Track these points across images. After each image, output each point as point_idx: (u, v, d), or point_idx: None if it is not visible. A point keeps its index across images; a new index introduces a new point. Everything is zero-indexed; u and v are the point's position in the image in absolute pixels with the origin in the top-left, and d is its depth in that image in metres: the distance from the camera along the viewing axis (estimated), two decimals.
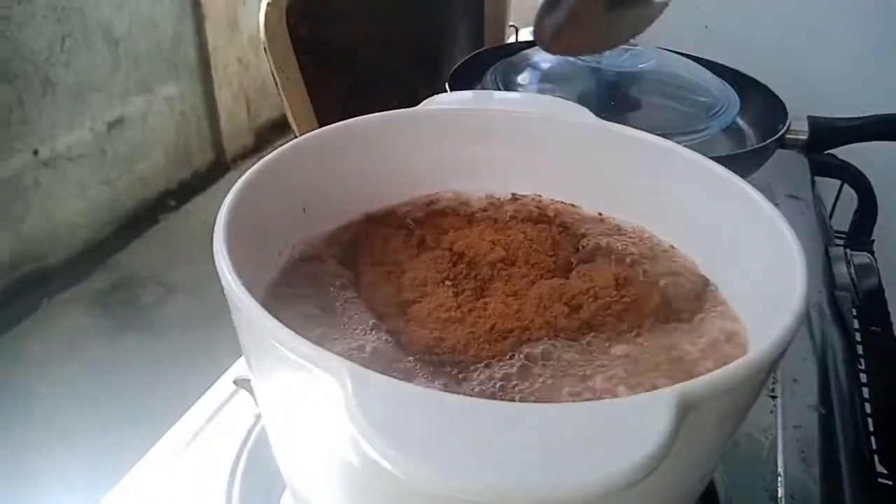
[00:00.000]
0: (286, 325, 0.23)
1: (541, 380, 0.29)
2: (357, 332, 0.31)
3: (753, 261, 0.32)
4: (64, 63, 1.70)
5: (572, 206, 0.40)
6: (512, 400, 0.28)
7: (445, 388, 0.28)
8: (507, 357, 0.30)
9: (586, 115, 0.39)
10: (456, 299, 0.33)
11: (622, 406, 0.21)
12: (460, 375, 0.29)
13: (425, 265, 0.35)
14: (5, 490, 1.24)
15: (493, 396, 0.28)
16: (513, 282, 0.34)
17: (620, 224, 0.39)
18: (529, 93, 0.59)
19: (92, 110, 1.81)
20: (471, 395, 0.28)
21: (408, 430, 0.20)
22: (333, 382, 0.22)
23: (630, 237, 0.38)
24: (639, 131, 0.37)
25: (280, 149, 0.33)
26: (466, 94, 0.41)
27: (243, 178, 0.31)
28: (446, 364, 0.30)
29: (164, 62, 1.98)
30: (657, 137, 0.36)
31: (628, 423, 0.20)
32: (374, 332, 0.31)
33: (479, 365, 0.30)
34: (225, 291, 0.26)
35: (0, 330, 1.66)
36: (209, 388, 0.44)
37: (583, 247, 0.37)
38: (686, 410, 0.21)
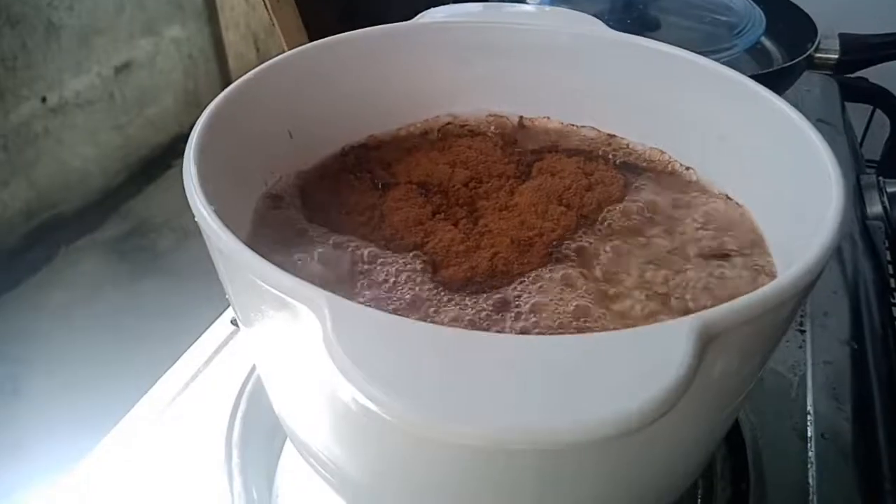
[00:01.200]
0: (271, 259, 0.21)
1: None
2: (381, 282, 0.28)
3: (785, 182, 0.29)
4: (67, 7, 1.66)
5: (590, 128, 0.37)
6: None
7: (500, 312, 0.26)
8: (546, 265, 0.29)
9: (600, 28, 0.35)
10: (459, 229, 0.31)
11: (636, 336, 0.19)
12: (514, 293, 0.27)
13: (403, 205, 0.32)
14: (28, 438, 1.25)
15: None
16: (493, 196, 0.33)
17: (632, 144, 0.36)
18: (539, 5, 0.55)
19: (98, 54, 1.78)
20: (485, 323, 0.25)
21: (392, 366, 0.18)
22: (312, 316, 0.19)
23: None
24: (656, 42, 0.33)
25: (261, 66, 0.30)
26: (473, 6, 0.37)
27: (219, 97, 0.28)
28: (491, 288, 0.28)
29: (169, 3, 1.94)
30: (675, 48, 0.33)
31: (643, 355, 0.18)
32: (404, 281, 0.28)
33: (525, 279, 0.28)
34: (198, 223, 0.23)
35: (18, 278, 1.67)
36: (207, 328, 0.43)
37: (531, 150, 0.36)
38: (708, 341, 0.18)
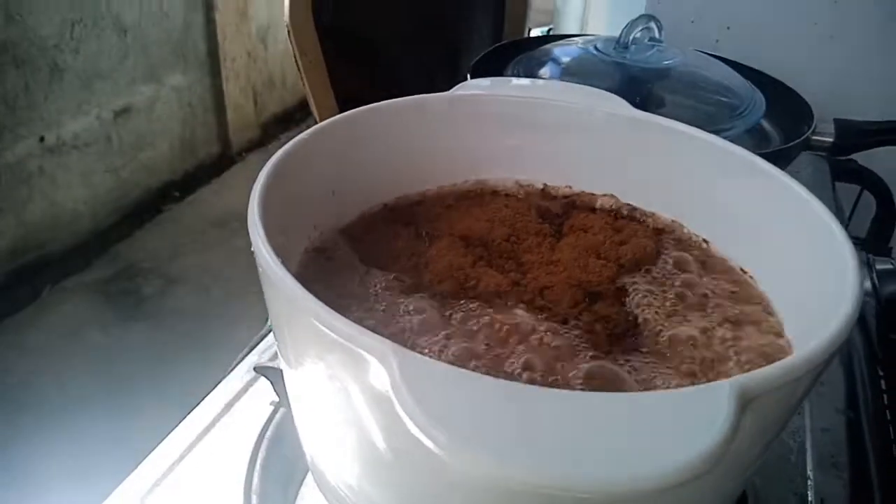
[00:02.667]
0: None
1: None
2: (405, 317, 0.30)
3: (797, 260, 0.31)
4: (73, 49, 1.69)
5: (610, 196, 0.39)
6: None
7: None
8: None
9: (623, 105, 0.38)
10: (506, 276, 0.33)
11: (680, 397, 0.20)
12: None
13: (447, 253, 0.34)
14: (4, 480, 1.23)
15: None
16: (536, 251, 0.35)
17: (654, 216, 0.38)
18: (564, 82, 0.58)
19: (99, 98, 1.81)
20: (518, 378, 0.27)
21: (457, 414, 0.19)
22: (378, 365, 0.21)
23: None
24: (675, 122, 0.36)
25: (309, 130, 0.32)
26: (503, 80, 0.40)
27: (276, 155, 0.30)
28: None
29: (172, 52, 1.98)
30: (692, 128, 0.35)
31: (689, 414, 0.20)
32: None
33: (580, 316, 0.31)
34: (260, 270, 0.25)
35: (2, 316, 1.65)
36: (225, 375, 0.44)
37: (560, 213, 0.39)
38: (746, 402, 0.20)
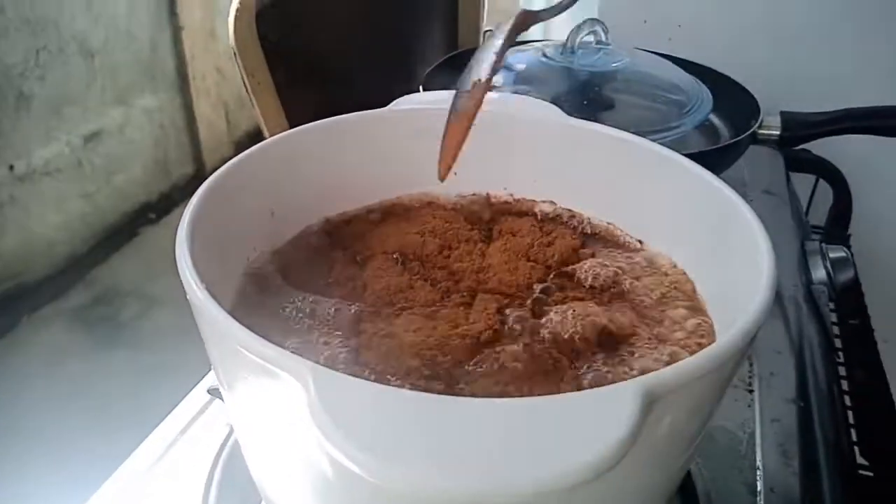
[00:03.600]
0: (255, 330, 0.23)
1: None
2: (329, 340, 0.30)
3: (724, 257, 0.32)
4: (38, 76, 1.68)
5: (549, 202, 0.40)
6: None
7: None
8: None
9: (556, 113, 0.38)
10: (436, 289, 0.33)
11: (586, 398, 0.21)
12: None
13: (383, 274, 0.34)
14: None
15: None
16: (467, 259, 0.36)
17: (591, 220, 0.39)
18: (503, 93, 0.59)
19: (68, 124, 1.80)
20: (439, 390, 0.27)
21: (372, 430, 0.20)
22: (296, 384, 0.21)
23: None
24: (607, 127, 0.37)
25: (246, 151, 0.33)
26: (440, 94, 0.41)
27: (208, 181, 0.30)
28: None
29: (141, 73, 1.97)
30: (623, 132, 0.36)
31: (592, 416, 0.20)
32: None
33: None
34: (188, 297, 0.25)
35: None
36: (182, 397, 0.44)
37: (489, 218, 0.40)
38: (651, 402, 0.21)
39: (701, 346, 0.30)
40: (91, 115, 1.86)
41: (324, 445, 0.20)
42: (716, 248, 0.32)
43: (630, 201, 0.37)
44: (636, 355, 0.30)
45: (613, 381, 0.28)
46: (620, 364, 0.29)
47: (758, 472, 0.40)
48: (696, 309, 0.32)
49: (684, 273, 0.35)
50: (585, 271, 0.34)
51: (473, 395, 0.28)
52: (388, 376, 0.28)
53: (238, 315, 0.27)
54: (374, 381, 0.27)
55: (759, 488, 0.39)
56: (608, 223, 0.38)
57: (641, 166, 0.36)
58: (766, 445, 0.42)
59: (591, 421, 0.20)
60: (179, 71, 2.10)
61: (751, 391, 0.45)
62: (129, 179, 2.01)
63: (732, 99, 0.66)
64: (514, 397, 0.26)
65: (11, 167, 1.69)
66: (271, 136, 0.57)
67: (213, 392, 0.42)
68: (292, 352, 0.22)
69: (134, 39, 1.93)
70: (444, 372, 0.29)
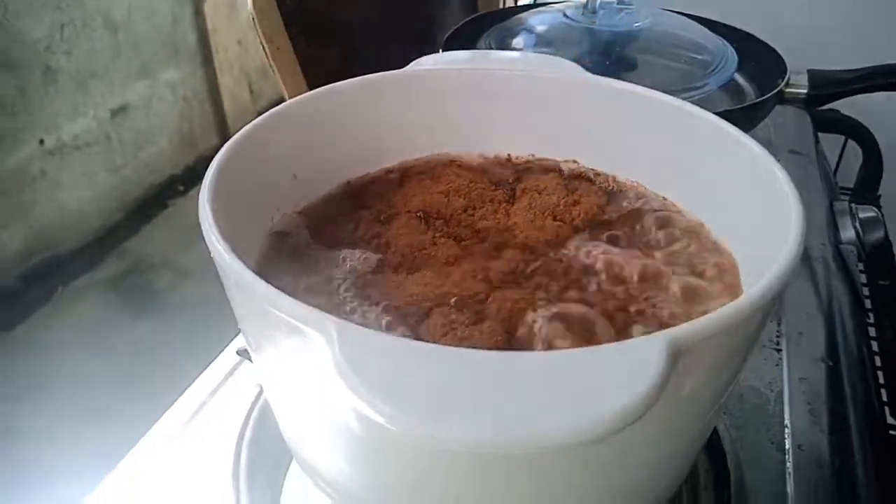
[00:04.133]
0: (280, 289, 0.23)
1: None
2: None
3: (752, 212, 0.31)
4: (64, 51, 1.70)
5: (573, 161, 0.40)
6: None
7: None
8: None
9: (577, 71, 0.38)
10: (462, 247, 0.34)
11: (611, 351, 0.21)
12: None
13: (406, 232, 0.34)
14: (23, 478, 1.26)
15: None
16: (492, 217, 0.36)
17: (617, 178, 0.38)
18: (524, 53, 0.59)
19: (95, 98, 1.82)
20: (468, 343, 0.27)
21: (395, 383, 0.20)
22: (320, 338, 0.21)
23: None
24: (629, 84, 0.36)
25: (267, 113, 0.33)
26: (459, 54, 0.40)
27: (230, 141, 0.30)
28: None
29: (164, 47, 1.98)
30: (648, 90, 0.36)
31: (618, 368, 0.20)
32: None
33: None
34: (212, 256, 0.26)
35: (16, 319, 1.68)
36: (213, 359, 0.45)
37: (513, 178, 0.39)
38: (677, 355, 0.21)
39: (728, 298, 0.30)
40: (116, 89, 1.87)
41: (348, 398, 0.20)
42: (744, 206, 0.32)
43: (655, 159, 0.37)
44: (659, 306, 0.29)
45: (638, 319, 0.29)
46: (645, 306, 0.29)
47: (786, 431, 0.40)
48: (725, 264, 0.32)
49: (712, 231, 0.34)
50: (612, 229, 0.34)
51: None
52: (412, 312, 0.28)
53: (262, 274, 0.28)
54: (403, 326, 0.28)
55: (787, 446, 0.39)
56: (634, 181, 0.38)
57: (666, 123, 0.36)
58: (793, 404, 0.41)
59: (618, 372, 0.20)
60: (202, 44, 2.10)
61: (779, 350, 0.44)
62: (156, 152, 2.03)
63: (758, 57, 0.65)
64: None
65: (42, 141, 1.72)
66: (290, 97, 0.57)
67: (242, 353, 0.42)
68: (316, 307, 0.22)
69: (156, 13, 1.94)
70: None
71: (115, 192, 1.97)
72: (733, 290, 0.31)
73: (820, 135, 0.74)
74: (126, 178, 1.99)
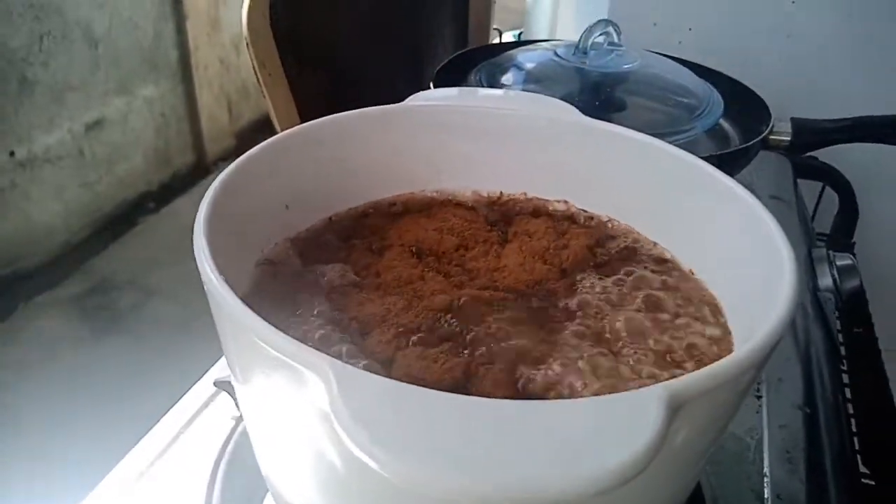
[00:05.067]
0: (271, 320, 0.23)
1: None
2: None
3: (743, 263, 0.32)
4: (42, 62, 1.67)
5: (563, 202, 0.40)
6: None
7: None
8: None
9: (572, 113, 0.38)
10: (451, 284, 0.33)
11: (610, 403, 0.21)
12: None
13: (398, 265, 0.34)
14: None
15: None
16: (482, 259, 0.36)
17: (608, 221, 0.39)
18: (515, 91, 0.59)
19: (70, 111, 1.79)
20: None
21: (394, 429, 0.20)
22: (317, 380, 0.21)
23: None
24: (627, 129, 0.36)
25: (262, 144, 0.33)
26: (451, 91, 0.41)
27: (225, 172, 0.30)
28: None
29: (144, 62, 1.96)
30: (643, 135, 0.36)
31: (616, 421, 0.20)
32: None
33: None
34: (206, 288, 0.25)
35: None
36: (188, 389, 0.44)
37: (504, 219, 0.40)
38: (676, 408, 0.21)
39: (719, 356, 0.30)
40: (93, 103, 1.85)
41: (346, 444, 0.19)
42: (736, 256, 0.32)
43: (647, 204, 0.37)
44: (649, 358, 0.29)
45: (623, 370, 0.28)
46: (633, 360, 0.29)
47: (765, 479, 0.40)
48: (716, 316, 0.32)
49: (702, 279, 0.34)
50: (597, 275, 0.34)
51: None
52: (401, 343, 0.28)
53: (254, 305, 0.27)
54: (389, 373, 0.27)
55: (766, 495, 0.39)
56: (625, 224, 0.38)
57: (660, 169, 0.36)
58: (773, 452, 0.41)
59: (617, 425, 0.20)
60: (182, 61, 2.09)
61: (759, 397, 0.45)
62: (130, 168, 2.01)
63: (743, 104, 0.66)
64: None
65: (12, 153, 1.69)
66: (282, 128, 0.56)
67: (220, 384, 0.41)
68: (311, 346, 0.22)
69: (137, 28, 1.92)
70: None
71: (85, 208, 1.94)
72: (724, 344, 0.31)
73: (798, 180, 0.76)
74: (98, 194, 1.96)
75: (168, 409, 0.43)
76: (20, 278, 1.79)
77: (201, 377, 0.45)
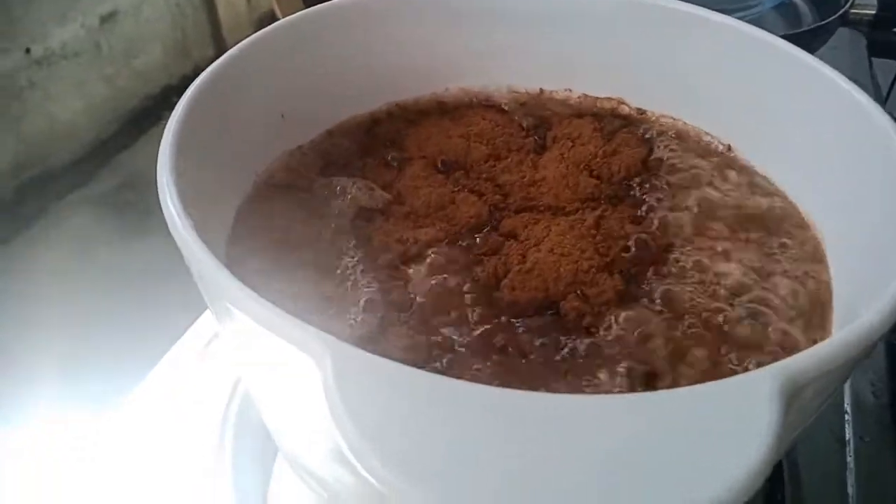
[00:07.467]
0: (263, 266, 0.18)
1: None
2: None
3: (843, 177, 0.25)
4: None
5: (618, 100, 0.33)
6: None
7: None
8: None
9: None
10: (485, 204, 0.28)
11: (707, 398, 0.15)
12: None
13: (422, 183, 0.29)
14: (8, 398, 1.23)
15: None
16: (515, 170, 0.30)
17: (667, 119, 0.32)
18: None
19: (82, 4, 1.71)
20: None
21: (398, 431, 0.15)
22: (311, 363, 0.16)
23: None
24: (700, 8, 0.29)
25: (247, 38, 0.26)
26: None
27: (199, 78, 0.24)
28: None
29: None
30: (725, 16, 0.29)
31: (719, 420, 0.15)
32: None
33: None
34: (174, 237, 0.20)
35: (9, 235, 1.63)
36: (192, 322, 0.39)
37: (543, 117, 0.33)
38: (793, 395, 0.15)
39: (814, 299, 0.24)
40: None
41: (339, 445, 0.15)
42: (833, 167, 0.26)
43: (718, 98, 0.30)
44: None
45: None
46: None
47: (846, 417, 0.35)
48: (805, 244, 0.26)
49: (786, 193, 0.28)
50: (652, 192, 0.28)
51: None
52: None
53: (241, 247, 0.22)
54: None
55: (847, 436, 0.34)
56: (691, 125, 0.31)
57: (736, 55, 0.29)
58: (854, 385, 0.36)
59: (717, 429, 0.14)
60: None
61: None
62: (149, 62, 1.93)
63: None
64: None
65: (28, 50, 1.63)
66: (282, 11, 0.49)
67: None
68: (306, 321, 0.16)
69: None
70: None
71: (107, 104, 1.88)
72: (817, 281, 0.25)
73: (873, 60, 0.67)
74: (119, 89, 1.90)
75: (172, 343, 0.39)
76: (49, 178, 1.77)
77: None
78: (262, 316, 0.17)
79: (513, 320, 0.23)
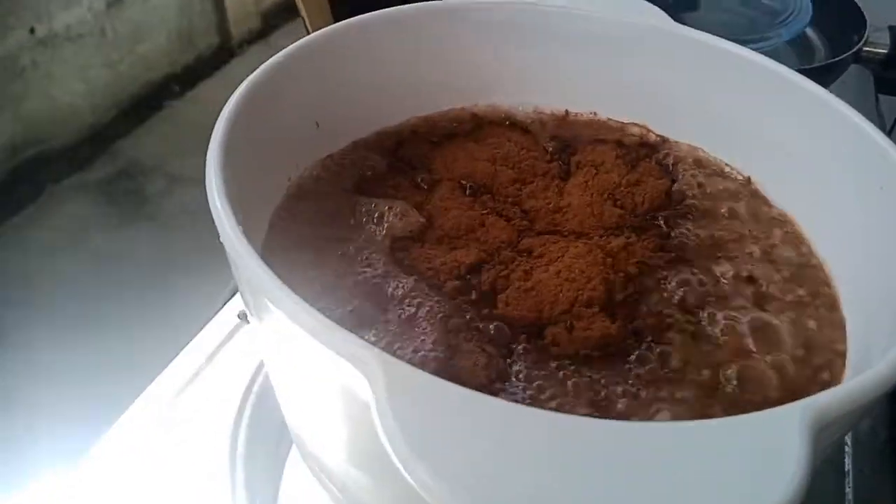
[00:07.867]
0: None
1: None
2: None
3: (859, 217, 0.26)
4: None
5: (642, 126, 0.34)
6: None
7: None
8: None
9: (664, 19, 0.32)
10: (513, 229, 0.29)
11: (737, 429, 0.16)
12: None
13: (451, 205, 0.29)
14: (13, 383, 1.23)
15: None
16: (541, 196, 0.30)
17: (691, 149, 0.33)
18: None
19: None
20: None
21: (452, 450, 0.15)
22: (361, 377, 0.17)
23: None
24: (729, 43, 0.30)
25: (286, 50, 0.27)
26: None
27: (242, 87, 0.25)
28: None
29: None
30: (750, 52, 0.30)
31: (747, 455, 0.15)
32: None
33: None
34: (222, 240, 0.20)
35: (2, 216, 1.62)
36: (209, 319, 0.39)
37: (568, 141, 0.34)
38: (820, 431, 0.16)
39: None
40: None
41: (390, 460, 0.15)
42: (850, 206, 0.27)
43: (737, 129, 0.31)
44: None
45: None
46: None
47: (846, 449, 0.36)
48: (820, 286, 0.27)
49: (801, 225, 0.29)
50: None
51: None
52: None
53: (276, 249, 0.23)
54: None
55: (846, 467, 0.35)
56: (711, 155, 0.32)
57: (760, 91, 0.30)
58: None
59: (746, 465, 0.15)
60: None
61: None
62: (153, 48, 1.93)
63: (833, 9, 0.57)
64: None
65: (32, 30, 1.62)
66: (310, 20, 0.50)
67: (245, 316, 0.38)
68: (358, 335, 0.17)
69: None
70: None
71: (108, 89, 1.88)
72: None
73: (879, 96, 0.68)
74: (121, 75, 1.89)
75: (187, 342, 0.39)
76: (46, 160, 1.77)
77: (224, 305, 0.40)
78: (317, 328, 0.17)
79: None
